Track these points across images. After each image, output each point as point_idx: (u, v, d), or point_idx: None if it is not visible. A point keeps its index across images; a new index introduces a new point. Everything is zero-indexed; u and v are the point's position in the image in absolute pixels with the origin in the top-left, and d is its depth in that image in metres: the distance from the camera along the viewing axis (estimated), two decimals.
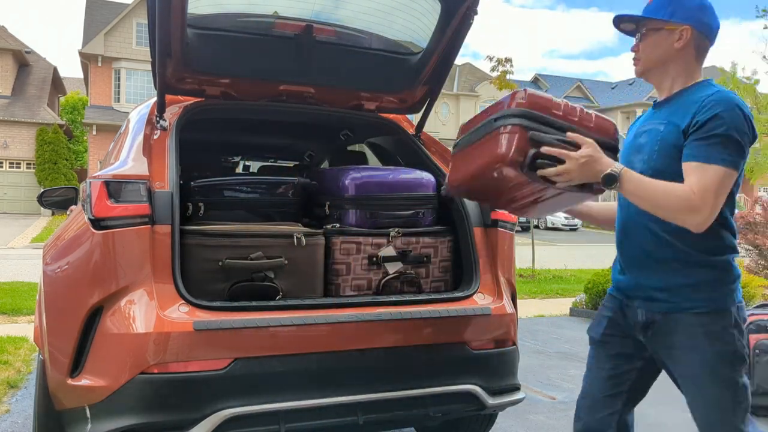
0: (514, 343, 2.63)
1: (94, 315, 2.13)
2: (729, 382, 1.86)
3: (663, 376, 2.04)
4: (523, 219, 23.56)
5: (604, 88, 41.50)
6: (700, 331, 1.83)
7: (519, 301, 2.92)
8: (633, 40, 1.99)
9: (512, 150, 1.79)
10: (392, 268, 2.60)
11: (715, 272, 1.85)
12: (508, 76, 11.76)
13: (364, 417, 2.28)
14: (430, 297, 2.53)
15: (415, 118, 3.25)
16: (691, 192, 1.73)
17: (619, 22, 1.98)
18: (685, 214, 1.74)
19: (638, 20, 1.95)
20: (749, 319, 4.13)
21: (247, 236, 2.39)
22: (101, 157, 23.65)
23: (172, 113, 2.64)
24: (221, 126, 3.53)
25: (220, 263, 2.32)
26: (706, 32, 1.90)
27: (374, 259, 2.57)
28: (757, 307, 4.36)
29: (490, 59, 11.84)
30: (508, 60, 11.78)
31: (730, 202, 1.85)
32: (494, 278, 2.66)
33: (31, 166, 26.79)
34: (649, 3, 1.94)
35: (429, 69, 2.97)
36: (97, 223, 2.13)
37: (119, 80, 27.23)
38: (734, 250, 1.91)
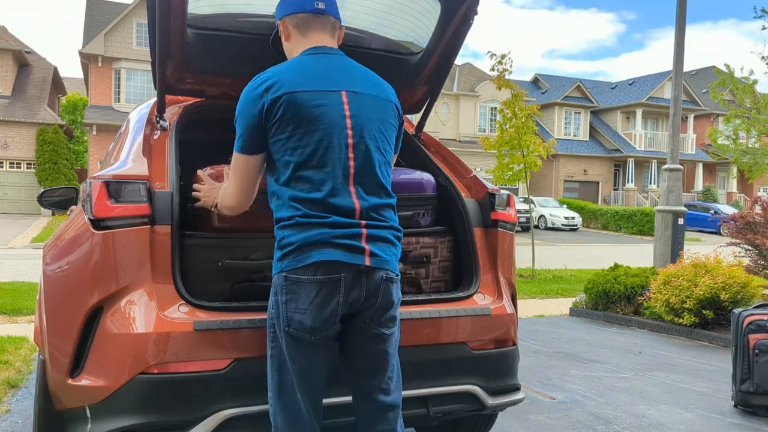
0: (514, 343, 2.63)
1: (94, 315, 2.14)
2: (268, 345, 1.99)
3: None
4: (523, 219, 23.55)
5: (604, 88, 41.52)
6: None
7: (519, 301, 2.92)
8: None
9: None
10: None
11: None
12: (507, 75, 11.72)
13: None
14: (430, 297, 2.53)
15: (415, 118, 3.25)
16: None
17: None
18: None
19: None
20: (749, 319, 4.13)
21: (247, 236, 2.39)
22: (101, 157, 23.67)
23: (172, 113, 2.64)
24: (221, 126, 3.53)
25: (219, 263, 2.32)
26: (291, 10, 2.08)
27: None
28: (756, 307, 4.36)
29: (492, 56, 11.78)
30: (503, 56, 11.69)
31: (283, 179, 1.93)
32: (494, 278, 2.66)
33: (31, 166, 26.80)
34: None
35: (429, 69, 2.97)
36: (97, 223, 2.13)
37: (119, 80, 27.24)
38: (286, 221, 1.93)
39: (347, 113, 1.94)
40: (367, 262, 1.87)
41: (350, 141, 1.92)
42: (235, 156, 1.99)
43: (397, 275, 1.99)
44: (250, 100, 1.93)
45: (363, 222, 1.89)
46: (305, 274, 1.84)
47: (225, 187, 2.08)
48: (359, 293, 1.88)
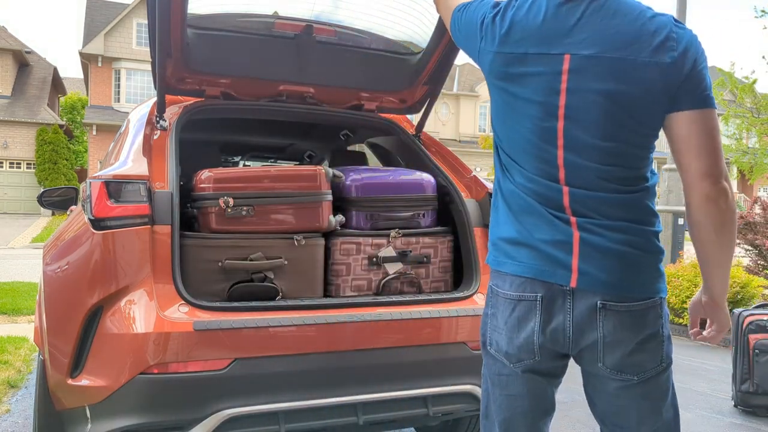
0: None
1: (94, 315, 2.13)
2: None
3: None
4: None
5: None
6: None
7: None
8: None
9: None
10: (392, 268, 2.60)
11: None
12: None
13: (364, 417, 2.28)
14: (430, 297, 2.53)
15: (415, 118, 3.25)
16: None
17: None
18: None
19: None
20: (749, 319, 4.13)
21: (247, 237, 2.40)
22: (101, 157, 23.66)
23: (172, 113, 2.64)
24: (221, 126, 3.54)
25: (219, 263, 2.33)
26: None
27: (374, 259, 2.57)
28: (756, 307, 4.36)
29: None
30: None
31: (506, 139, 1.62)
32: None
33: (31, 166, 26.79)
34: None
35: (429, 69, 2.97)
36: (97, 223, 2.13)
37: (119, 80, 27.22)
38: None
39: (563, 87, 1.48)
40: (574, 282, 1.47)
41: (560, 127, 1.49)
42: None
43: (630, 302, 1.48)
44: (483, 13, 1.63)
45: (576, 229, 1.48)
46: (501, 287, 1.57)
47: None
48: (562, 324, 1.49)
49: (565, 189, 1.48)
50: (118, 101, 27.07)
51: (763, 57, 13.32)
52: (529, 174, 1.52)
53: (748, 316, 4.15)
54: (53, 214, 23.96)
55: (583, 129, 1.46)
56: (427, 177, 2.79)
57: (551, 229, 1.48)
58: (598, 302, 1.46)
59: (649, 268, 1.49)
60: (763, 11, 12.50)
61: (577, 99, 1.46)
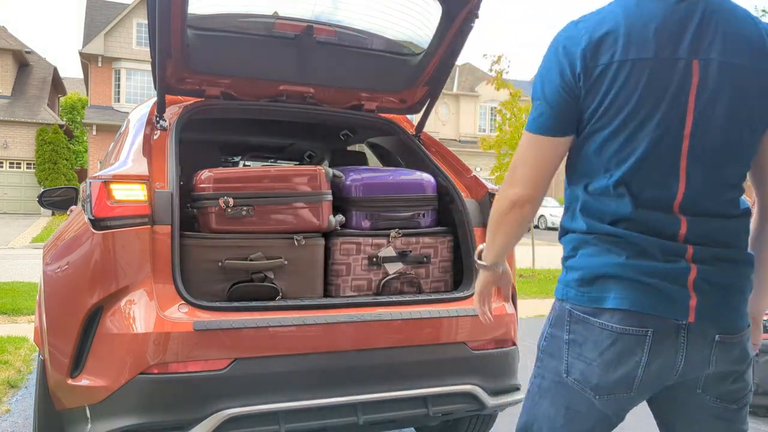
0: (514, 344, 2.63)
1: (94, 315, 2.14)
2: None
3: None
4: None
5: None
6: None
7: (519, 301, 2.92)
8: None
9: None
10: (392, 268, 2.60)
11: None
12: (504, 75, 11.75)
13: (364, 417, 2.28)
14: (430, 297, 2.53)
15: (415, 118, 3.25)
16: None
17: None
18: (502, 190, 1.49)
19: None
20: None
21: (247, 237, 2.40)
22: (101, 157, 23.65)
23: (172, 113, 2.64)
24: (221, 126, 3.54)
25: (219, 263, 2.33)
26: None
27: (374, 259, 2.57)
28: None
29: (486, 56, 11.85)
30: (500, 57, 11.73)
31: (578, 176, 1.47)
32: None
33: (31, 166, 26.79)
34: None
35: (429, 70, 2.98)
36: (97, 223, 2.14)
37: (119, 80, 27.22)
38: (578, 233, 1.45)
39: (692, 98, 1.31)
40: (692, 317, 1.34)
41: (685, 146, 1.33)
42: (528, 137, 1.44)
43: (739, 332, 1.41)
44: (560, 56, 1.36)
45: (691, 261, 1.35)
46: (597, 315, 1.38)
47: (512, 169, 1.49)
48: (673, 359, 1.37)
49: (682, 217, 1.34)
50: (118, 101, 27.06)
51: None
52: (635, 201, 1.35)
53: None
54: (53, 214, 23.96)
55: (707, 146, 1.32)
56: (427, 177, 2.79)
57: (663, 260, 1.34)
58: (717, 336, 1.36)
59: (748, 295, 1.42)
60: (763, 11, 12.50)
61: (704, 112, 1.31)
